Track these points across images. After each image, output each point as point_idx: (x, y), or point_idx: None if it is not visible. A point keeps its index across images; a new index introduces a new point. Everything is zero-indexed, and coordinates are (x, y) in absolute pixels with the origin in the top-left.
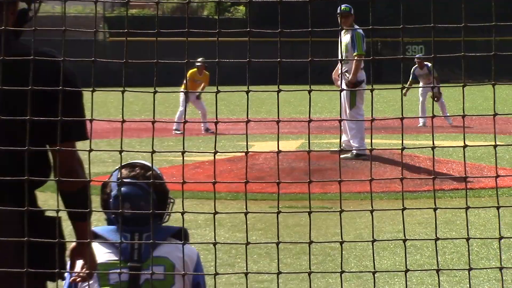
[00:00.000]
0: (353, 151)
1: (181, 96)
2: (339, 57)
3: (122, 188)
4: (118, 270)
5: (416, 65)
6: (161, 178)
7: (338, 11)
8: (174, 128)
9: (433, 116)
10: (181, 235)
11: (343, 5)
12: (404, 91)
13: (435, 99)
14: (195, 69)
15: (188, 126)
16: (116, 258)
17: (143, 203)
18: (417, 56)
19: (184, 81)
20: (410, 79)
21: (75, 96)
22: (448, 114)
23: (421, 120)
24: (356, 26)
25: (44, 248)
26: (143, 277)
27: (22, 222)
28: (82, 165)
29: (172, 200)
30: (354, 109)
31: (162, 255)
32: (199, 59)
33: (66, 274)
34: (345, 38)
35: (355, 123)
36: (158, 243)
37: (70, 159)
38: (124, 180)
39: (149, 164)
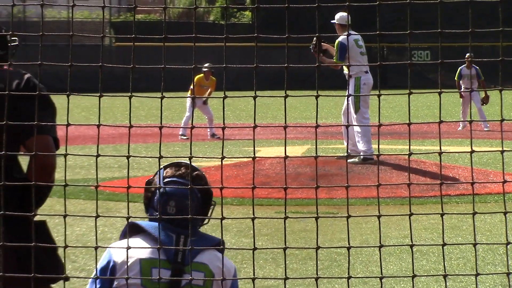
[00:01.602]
0: (360, 155)
1: (188, 101)
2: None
3: (167, 188)
4: (161, 269)
5: (464, 65)
6: (206, 179)
7: (333, 20)
8: (180, 133)
9: (440, 122)
10: (220, 246)
11: (339, 14)
12: (459, 92)
13: (484, 103)
14: (202, 74)
15: (194, 131)
16: (161, 257)
17: (188, 203)
18: (467, 54)
19: (191, 87)
20: (456, 79)
21: (43, 104)
22: (486, 119)
23: (461, 124)
24: (352, 32)
25: (39, 252)
26: (184, 280)
27: (5, 227)
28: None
29: (214, 203)
30: (359, 113)
31: (204, 262)
32: (206, 65)
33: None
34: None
35: (361, 127)
36: (200, 251)
37: (46, 156)
38: (171, 179)
39: (194, 165)
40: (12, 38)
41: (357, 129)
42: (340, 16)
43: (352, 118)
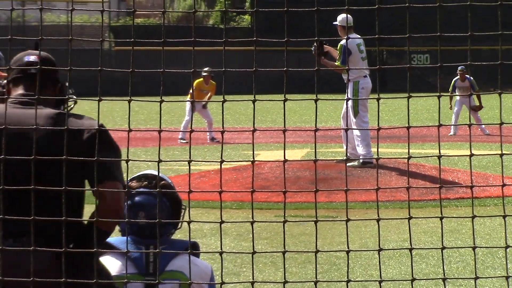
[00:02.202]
0: (360, 159)
1: (188, 105)
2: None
3: (136, 198)
4: (135, 283)
5: (458, 77)
6: (173, 187)
7: (334, 22)
8: (179, 137)
9: (440, 125)
10: (193, 248)
11: (341, 15)
12: (450, 104)
13: (474, 110)
14: (201, 78)
15: (194, 135)
16: (132, 271)
17: (157, 212)
18: (460, 67)
19: (191, 91)
20: (450, 91)
21: (114, 152)
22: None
23: (452, 129)
24: (355, 36)
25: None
26: None
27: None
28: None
29: (184, 207)
30: (358, 117)
31: (177, 270)
32: (205, 69)
33: None
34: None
35: (360, 131)
36: (172, 258)
37: (117, 201)
38: (137, 190)
39: (160, 174)
40: (71, 92)
41: (356, 132)
42: (342, 17)
43: (351, 122)
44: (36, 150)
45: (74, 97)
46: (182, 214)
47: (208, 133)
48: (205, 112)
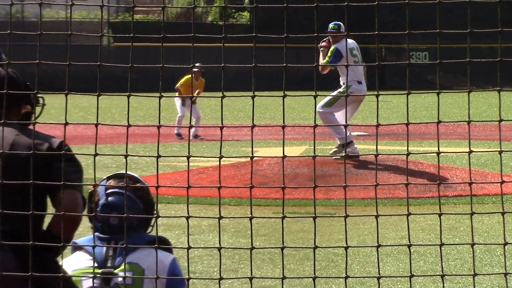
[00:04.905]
0: (338, 142)
1: (177, 102)
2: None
3: (109, 198)
4: (91, 277)
5: None
6: (148, 189)
7: (326, 29)
8: (175, 132)
9: (439, 122)
10: (159, 242)
11: (332, 23)
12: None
13: None
14: (190, 75)
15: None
16: (90, 265)
17: (129, 213)
18: None
19: (177, 86)
20: None
21: (74, 166)
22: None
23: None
24: (349, 41)
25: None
26: (113, 282)
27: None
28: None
29: (156, 212)
30: (326, 107)
31: (133, 261)
32: (196, 65)
33: None
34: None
35: (324, 120)
36: (132, 251)
37: (74, 210)
38: (112, 190)
39: (137, 176)
40: (39, 97)
41: (325, 120)
42: (333, 24)
43: (317, 109)
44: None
45: (41, 102)
46: (153, 221)
47: (192, 130)
48: (193, 108)
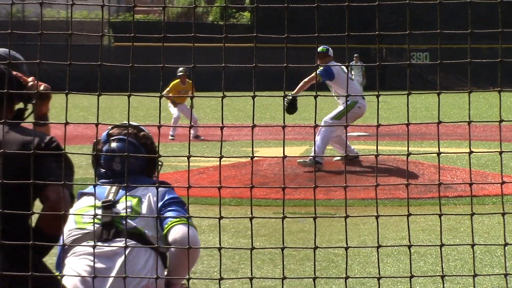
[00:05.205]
0: (311, 157)
1: (171, 106)
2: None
3: (113, 144)
4: (94, 209)
5: None
6: (152, 139)
7: (315, 50)
8: (170, 133)
9: (439, 122)
10: (160, 184)
11: (322, 46)
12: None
13: None
14: (177, 80)
15: (185, 131)
16: (92, 203)
17: (133, 159)
18: None
19: (166, 91)
20: None
21: (63, 162)
22: None
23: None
24: (334, 63)
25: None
26: (114, 212)
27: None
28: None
29: (160, 163)
30: (335, 120)
31: (134, 194)
32: (181, 68)
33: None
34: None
35: (324, 135)
36: (132, 189)
37: (59, 204)
38: (116, 137)
39: (141, 126)
40: (33, 93)
41: (323, 133)
42: (321, 47)
43: (322, 121)
44: None
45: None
46: (159, 168)
47: (192, 130)
48: (188, 112)
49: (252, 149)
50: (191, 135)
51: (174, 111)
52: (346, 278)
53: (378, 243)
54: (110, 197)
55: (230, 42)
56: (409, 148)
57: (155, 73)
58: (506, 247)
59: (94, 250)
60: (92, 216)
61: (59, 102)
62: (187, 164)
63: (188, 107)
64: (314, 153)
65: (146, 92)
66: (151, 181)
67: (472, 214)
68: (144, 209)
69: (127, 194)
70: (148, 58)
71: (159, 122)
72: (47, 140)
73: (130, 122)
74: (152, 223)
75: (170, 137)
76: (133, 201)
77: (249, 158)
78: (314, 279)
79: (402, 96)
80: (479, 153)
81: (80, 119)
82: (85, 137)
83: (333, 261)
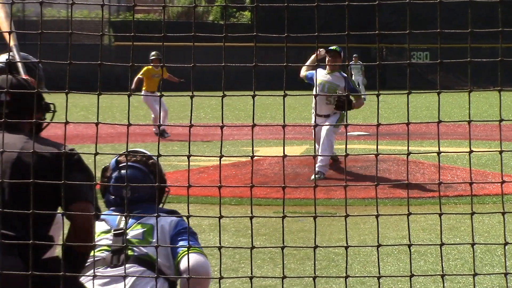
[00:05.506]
0: (321, 173)
1: (145, 100)
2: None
3: (123, 171)
4: (107, 235)
5: None
6: (160, 167)
7: (327, 49)
8: (154, 132)
9: (439, 122)
10: (171, 213)
11: (334, 46)
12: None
13: None
14: (149, 66)
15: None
16: (104, 229)
17: (143, 187)
18: None
19: (138, 77)
20: None
21: (86, 175)
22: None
23: None
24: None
25: None
26: (125, 238)
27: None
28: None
29: (168, 190)
30: (337, 129)
31: (142, 222)
32: (153, 53)
33: None
34: (332, 77)
35: (331, 143)
36: (145, 216)
37: (88, 220)
38: (125, 164)
39: (149, 153)
40: (50, 103)
41: (326, 145)
42: (335, 47)
43: (324, 132)
44: (7, 173)
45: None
46: (166, 196)
47: (154, 128)
48: (161, 101)
49: (252, 149)
50: (155, 131)
51: (152, 108)
52: (346, 277)
53: (378, 242)
54: (122, 224)
55: (231, 41)
56: (409, 148)
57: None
58: (506, 246)
59: (93, 280)
60: (102, 243)
61: (59, 101)
62: (187, 163)
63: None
64: (319, 163)
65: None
66: (162, 210)
67: (473, 214)
68: (155, 237)
69: (139, 222)
70: (149, 58)
71: (159, 121)
72: (69, 151)
73: (139, 149)
74: (164, 251)
75: (161, 136)
76: (145, 229)
77: (249, 157)
78: (314, 278)
79: (402, 95)
80: (479, 153)
81: (80, 119)
82: (85, 137)
83: (333, 260)
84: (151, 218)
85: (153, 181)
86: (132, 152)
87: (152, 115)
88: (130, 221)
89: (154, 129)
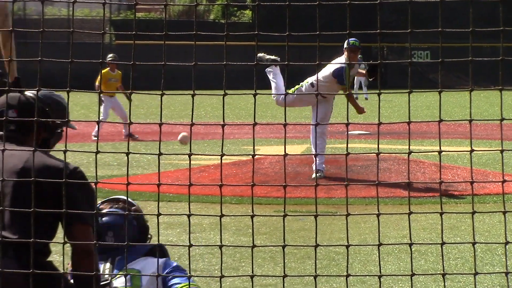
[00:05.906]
0: (320, 171)
1: (102, 102)
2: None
3: (105, 218)
4: None
5: None
6: (142, 212)
7: (346, 45)
8: (125, 134)
9: (440, 121)
10: (157, 250)
11: (352, 39)
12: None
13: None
14: (107, 68)
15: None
16: None
17: (124, 233)
18: None
19: (97, 83)
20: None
21: (87, 195)
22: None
23: None
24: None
25: None
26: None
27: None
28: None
29: (150, 236)
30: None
31: (131, 267)
32: (110, 55)
33: None
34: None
35: (321, 144)
36: (130, 261)
37: (87, 245)
38: (107, 211)
39: (130, 199)
40: (58, 122)
41: (320, 144)
42: (353, 40)
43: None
44: (10, 183)
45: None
46: (149, 241)
47: (124, 129)
48: (118, 106)
49: (253, 147)
50: (123, 133)
51: (103, 112)
52: (347, 276)
53: (379, 242)
54: (106, 272)
55: (232, 40)
56: (410, 147)
57: (157, 72)
58: (507, 246)
59: None
60: None
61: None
62: (188, 162)
63: (120, 101)
64: (316, 163)
65: (147, 90)
66: (146, 249)
67: (473, 213)
68: (144, 280)
69: (126, 267)
70: (149, 56)
71: (160, 120)
72: (71, 170)
73: (122, 197)
74: None
75: (93, 137)
76: (132, 276)
77: (250, 156)
78: (315, 277)
79: (403, 94)
80: (480, 152)
81: (81, 117)
82: (86, 135)
83: (334, 260)
84: (137, 262)
85: (135, 225)
86: (114, 199)
87: (119, 117)
88: (115, 270)
89: (124, 131)
